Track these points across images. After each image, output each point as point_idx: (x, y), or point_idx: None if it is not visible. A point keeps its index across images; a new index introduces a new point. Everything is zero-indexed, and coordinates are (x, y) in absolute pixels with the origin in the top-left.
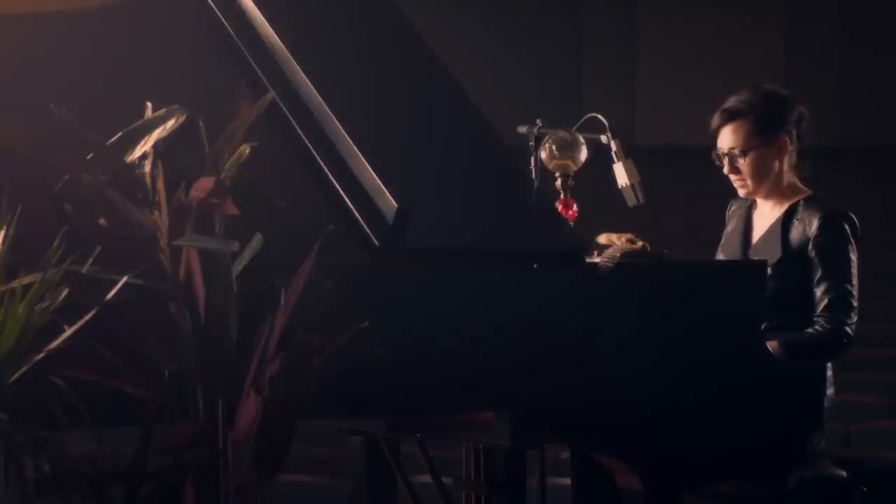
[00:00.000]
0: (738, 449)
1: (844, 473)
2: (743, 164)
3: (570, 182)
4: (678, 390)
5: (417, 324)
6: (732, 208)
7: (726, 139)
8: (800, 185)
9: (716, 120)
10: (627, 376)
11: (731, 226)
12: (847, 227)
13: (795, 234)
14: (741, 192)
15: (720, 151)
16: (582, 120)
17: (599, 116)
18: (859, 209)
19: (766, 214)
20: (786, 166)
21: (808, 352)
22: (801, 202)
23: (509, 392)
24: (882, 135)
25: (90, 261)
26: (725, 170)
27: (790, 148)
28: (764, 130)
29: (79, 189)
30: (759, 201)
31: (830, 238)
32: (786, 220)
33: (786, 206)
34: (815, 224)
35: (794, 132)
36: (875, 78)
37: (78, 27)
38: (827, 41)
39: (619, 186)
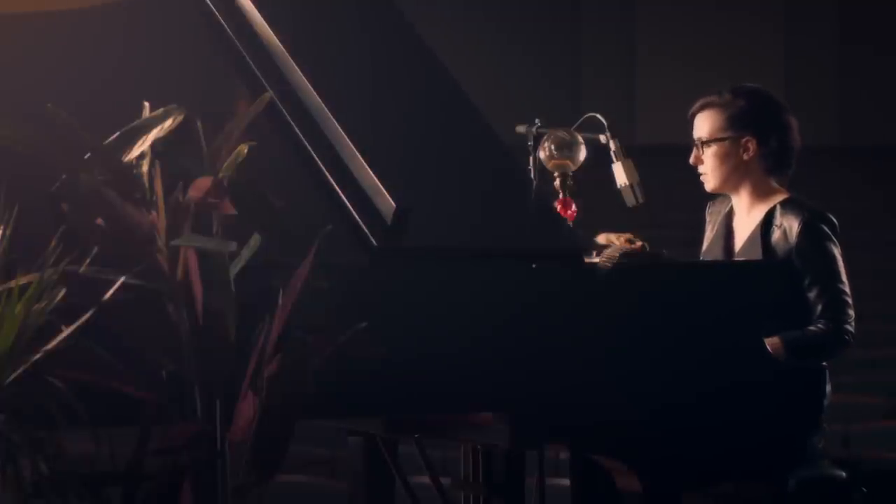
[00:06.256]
0: (738, 449)
1: (844, 474)
2: (705, 155)
3: (569, 182)
4: (678, 391)
5: (416, 324)
6: (710, 210)
7: (696, 128)
8: (775, 186)
9: (692, 109)
10: (626, 377)
11: (712, 231)
12: (826, 227)
13: (776, 241)
14: (706, 186)
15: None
16: (581, 119)
17: (598, 116)
18: (859, 209)
19: (745, 221)
20: (753, 167)
21: (810, 349)
22: (778, 207)
23: (508, 393)
24: (882, 135)
25: (88, 261)
26: (692, 160)
27: (758, 150)
28: (731, 126)
29: (76, 189)
30: (736, 206)
31: (812, 243)
32: (765, 228)
33: (763, 210)
34: (794, 231)
35: (769, 136)
36: (875, 78)
37: (76, 27)
38: (827, 41)
39: (618, 186)
